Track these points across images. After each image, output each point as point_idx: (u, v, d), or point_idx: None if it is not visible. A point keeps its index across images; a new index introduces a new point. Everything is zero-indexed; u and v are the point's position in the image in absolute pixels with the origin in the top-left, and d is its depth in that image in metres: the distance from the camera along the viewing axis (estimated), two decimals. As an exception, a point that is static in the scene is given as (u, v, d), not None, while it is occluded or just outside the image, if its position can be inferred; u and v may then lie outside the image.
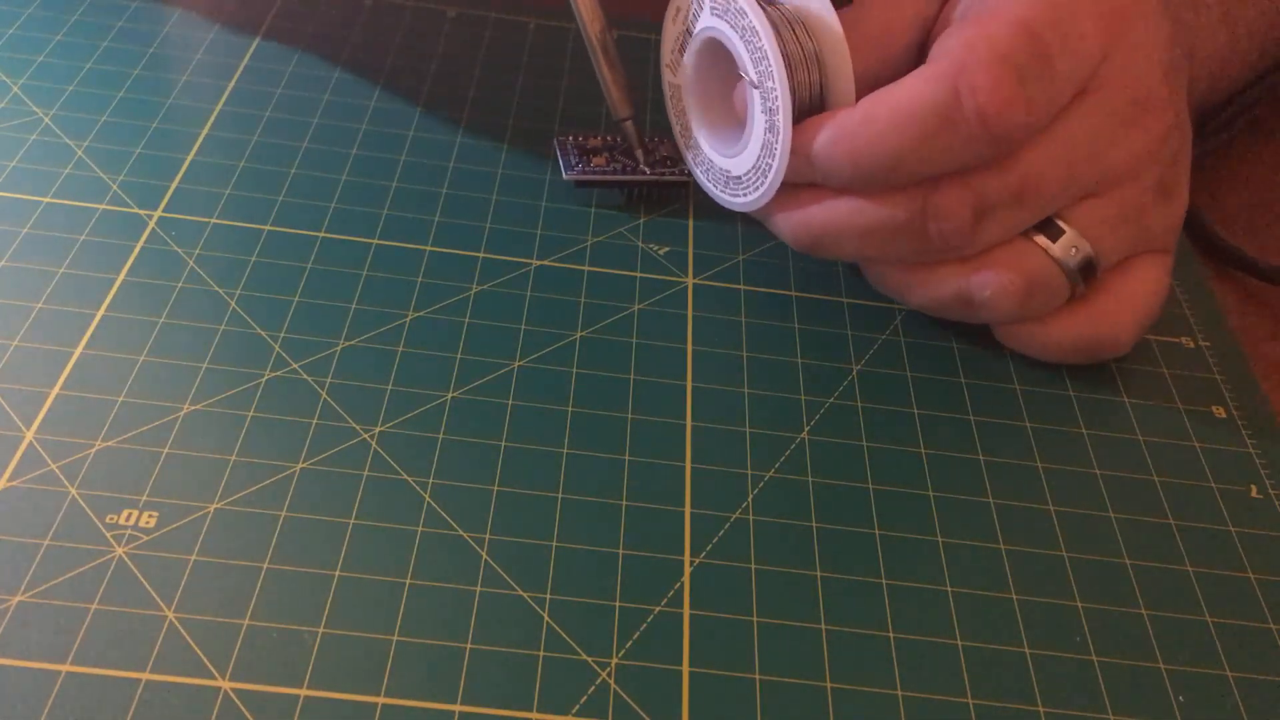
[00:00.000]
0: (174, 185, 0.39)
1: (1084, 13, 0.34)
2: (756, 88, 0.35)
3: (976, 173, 0.34)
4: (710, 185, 0.39)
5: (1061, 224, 0.35)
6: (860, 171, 0.34)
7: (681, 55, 0.38)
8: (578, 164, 0.41)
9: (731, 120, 0.38)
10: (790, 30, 0.35)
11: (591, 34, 0.40)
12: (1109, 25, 0.35)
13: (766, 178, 0.36)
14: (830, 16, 0.35)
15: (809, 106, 0.35)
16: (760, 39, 0.34)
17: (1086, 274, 0.36)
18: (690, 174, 0.40)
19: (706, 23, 0.37)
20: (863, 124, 0.33)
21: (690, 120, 0.39)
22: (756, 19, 0.34)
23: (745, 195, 0.37)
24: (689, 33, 0.38)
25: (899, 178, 0.34)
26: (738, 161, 0.37)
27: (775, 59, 0.34)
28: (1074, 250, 0.35)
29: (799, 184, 0.36)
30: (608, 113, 0.41)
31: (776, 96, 0.34)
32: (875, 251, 0.36)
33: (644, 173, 0.41)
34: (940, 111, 0.33)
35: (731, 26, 0.36)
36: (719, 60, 0.37)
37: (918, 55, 0.37)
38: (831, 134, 0.34)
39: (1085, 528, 0.33)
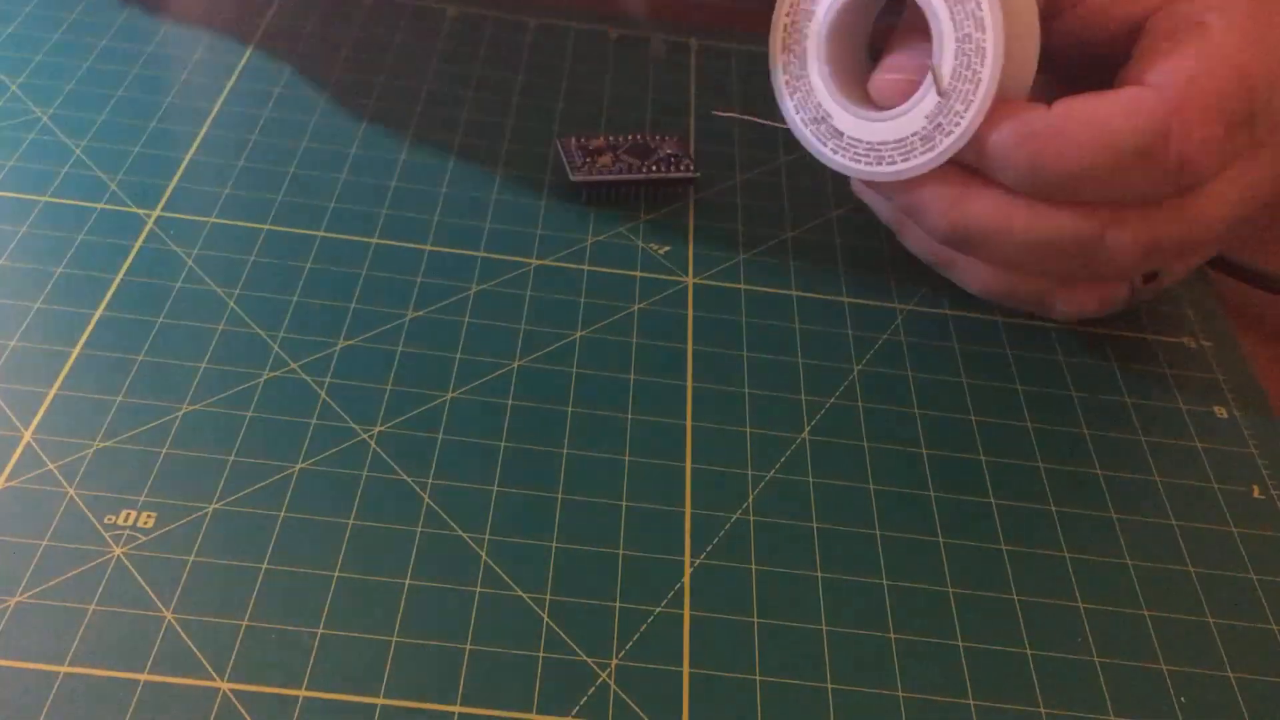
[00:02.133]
0: (173, 185, 0.39)
1: None
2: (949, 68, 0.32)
3: (1155, 215, 0.33)
4: (816, 141, 0.36)
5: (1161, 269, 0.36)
6: (1037, 178, 0.33)
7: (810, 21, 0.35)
8: (583, 165, 0.41)
9: (864, 81, 0.35)
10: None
11: None
12: None
13: (921, 155, 0.33)
14: None
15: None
16: (984, 12, 0.32)
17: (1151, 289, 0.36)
18: (693, 170, 0.40)
19: None
20: (1055, 132, 0.32)
21: (811, 69, 0.36)
22: None
23: (881, 165, 0.34)
24: None
25: (1070, 195, 0.33)
26: (877, 128, 0.34)
27: (996, 41, 0.32)
28: (1150, 293, 0.36)
29: (950, 168, 0.34)
30: (609, 112, 0.41)
31: (980, 79, 0.32)
32: (1023, 263, 0.35)
33: (650, 171, 0.41)
34: (1143, 147, 0.32)
35: None
36: (864, 14, 0.35)
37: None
38: (1016, 131, 0.32)
39: (1085, 528, 0.33)
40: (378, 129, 0.43)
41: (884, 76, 0.34)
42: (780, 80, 0.36)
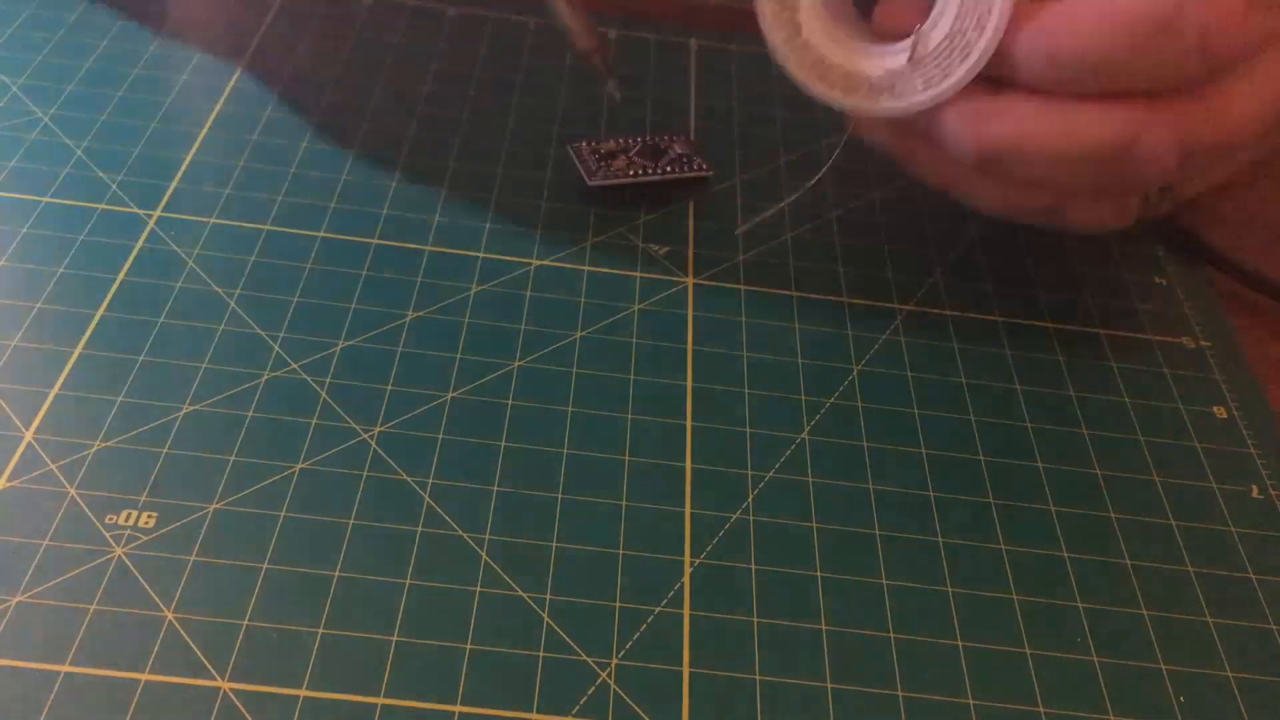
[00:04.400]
0: (173, 185, 0.39)
1: None
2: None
3: (1189, 111, 0.32)
4: (852, 100, 0.34)
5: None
6: (1060, 73, 0.32)
7: None
8: (598, 170, 0.41)
9: (865, 30, 0.35)
10: None
11: None
12: None
13: (961, 64, 0.32)
14: None
15: None
16: None
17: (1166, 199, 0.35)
18: (706, 169, 0.40)
19: None
20: (1068, 20, 0.31)
21: (815, 33, 0.34)
22: None
23: (917, 94, 0.33)
24: None
25: (1096, 86, 0.32)
26: (889, 59, 0.33)
27: None
28: (1165, 203, 0.35)
29: (970, 85, 0.33)
30: (610, 112, 0.41)
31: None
32: (1055, 177, 0.33)
33: (665, 172, 0.41)
34: (1158, 21, 0.31)
35: None
36: None
37: None
38: (1031, 28, 0.31)
39: (1085, 528, 0.33)
40: (378, 129, 0.43)
41: (891, 5, 0.34)
42: (791, 60, 0.35)
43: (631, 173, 0.41)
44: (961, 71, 0.32)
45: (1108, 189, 0.34)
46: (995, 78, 0.32)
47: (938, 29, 0.32)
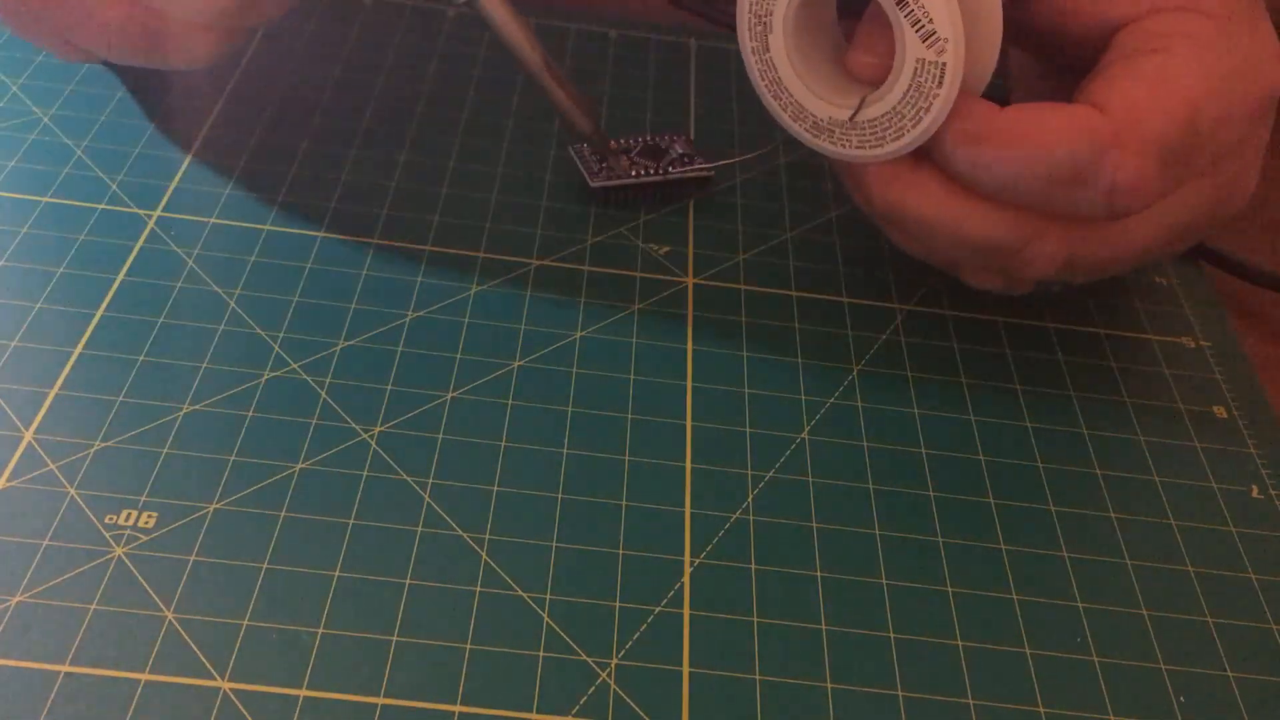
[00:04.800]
0: (173, 185, 0.39)
1: (1246, 102, 0.33)
2: (928, 45, 0.32)
3: (1079, 233, 0.34)
4: (795, 126, 0.35)
5: None
6: (975, 178, 0.33)
7: None
8: (600, 170, 0.41)
9: (832, 64, 0.35)
10: None
11: (532, 65, 0.39)
12: (1255, 113, 0.34)
13: (893, 141, 0.33)
14: None
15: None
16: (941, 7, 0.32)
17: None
18: (708, 167, 0.40)
19: None
20: (997, 137, 0.32)
21: (779, 56, 0.35)
22: None
23: (849, 147, 0.34)
24: None
25: (1004, 198, 0.33)
26: (835, 110, 0.34)
27: (955, 31, 0.31)
28: (1057, 286, 0.37)
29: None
30: (609, 113, 0.41)
31: (943, 68, 0.32)
32: (944, 250, 0.36)
33: (667, 172, 0.41)
34: (1077, 168, 0.32)
35: None
36: (822, 5, 0.35)
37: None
38: (963, 130, 0.32)
39: (1085, 528, 0.33)
40: (378, 129, 0.43)
41: (861, 56, 0.34)
42: (754, 72, 0.36)
43: (633, 173, 0.41)
44: (891, 148, 0.33)
45: (989, 269, 0.36)
46: (922, 148, 0.34)
47: (884, 101, 0.33)
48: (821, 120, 0.35)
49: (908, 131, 0.33)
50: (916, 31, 0.32)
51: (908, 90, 0.33)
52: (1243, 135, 0.34)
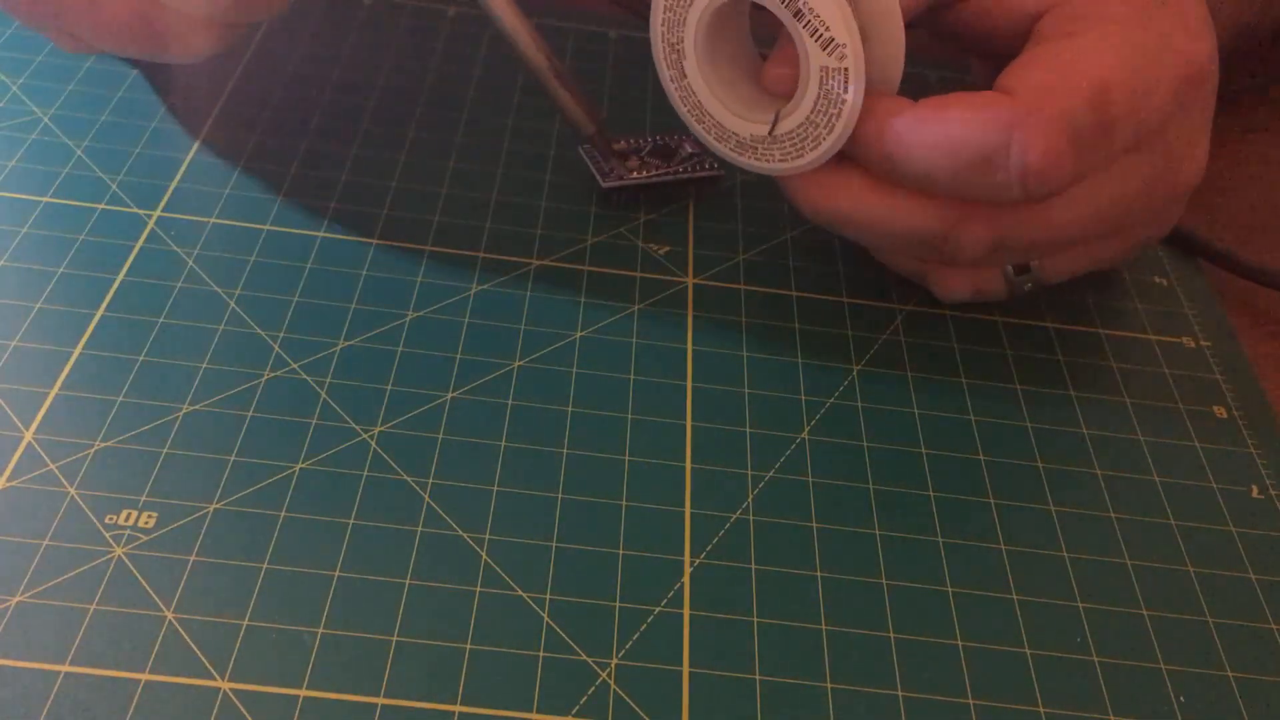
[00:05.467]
0: (173, 185, 0.39)
1: (1163, 77, 0.33)
2: (826, 52, 0.33)
3: (1004, 215, 0.34)
4: (720, 146, 0.36)
5: (1034, 266, 0.37)
6: (892, 172, 0.34)
7: (687, 13, 0.35)
8: (611, 171, 0.41)
9: (749, 82, 0.36)
10: None
11: (537, 63, 0.39)
12: (1180, 92, 0.34)
13: (812, 150, 0.34)
14: None
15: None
16: (831, 7, 0.32)
17: (1027, 281, 0.37)
18: (721, 167, 0.40)
19: None
20: (908, 130, 0.33)
21: (696, 81, 0.36)
22: None
23: (772, 161, 0.35)
24: None
25: (923, 189, 0.34)
26: (754, 126, 0.35)
27: (852, 36, 0.32)
28: (1029, 284, 0.37)
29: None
30: (609, 113, 0.41)
31: (845, 72, 0.32)
32: (886, 245, 0.37)
33: (677, 172, 0.41)
34: (985, 154, 0.32)
35: None
36: (732, 20, 0.35)
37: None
38: (875, 127, 0.33)
39: (1085, 528, 0.33)
40: (378, 129, 0.43)
41: (774, 70, 0.35)
42: (676, 99, 0.36)
43: (644, 173, 0.41)
44: (810, 157, 0.34)
45: (932, 260, 0.36)
46: (843, 151, 0.34)
47: (798, 112, 0.34)
48: (744, 138, 0.35)
49: (824, 140, 0.34)
50: (816, 40, 0.33)
51: (817, 99, 0.33)
52: (1168, 112, 0.34)
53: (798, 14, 0.32)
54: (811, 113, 0.34)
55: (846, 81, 0.33)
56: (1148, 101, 0.33)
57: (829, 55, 0.33)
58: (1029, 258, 0.36)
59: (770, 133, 0.35)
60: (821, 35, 0.32)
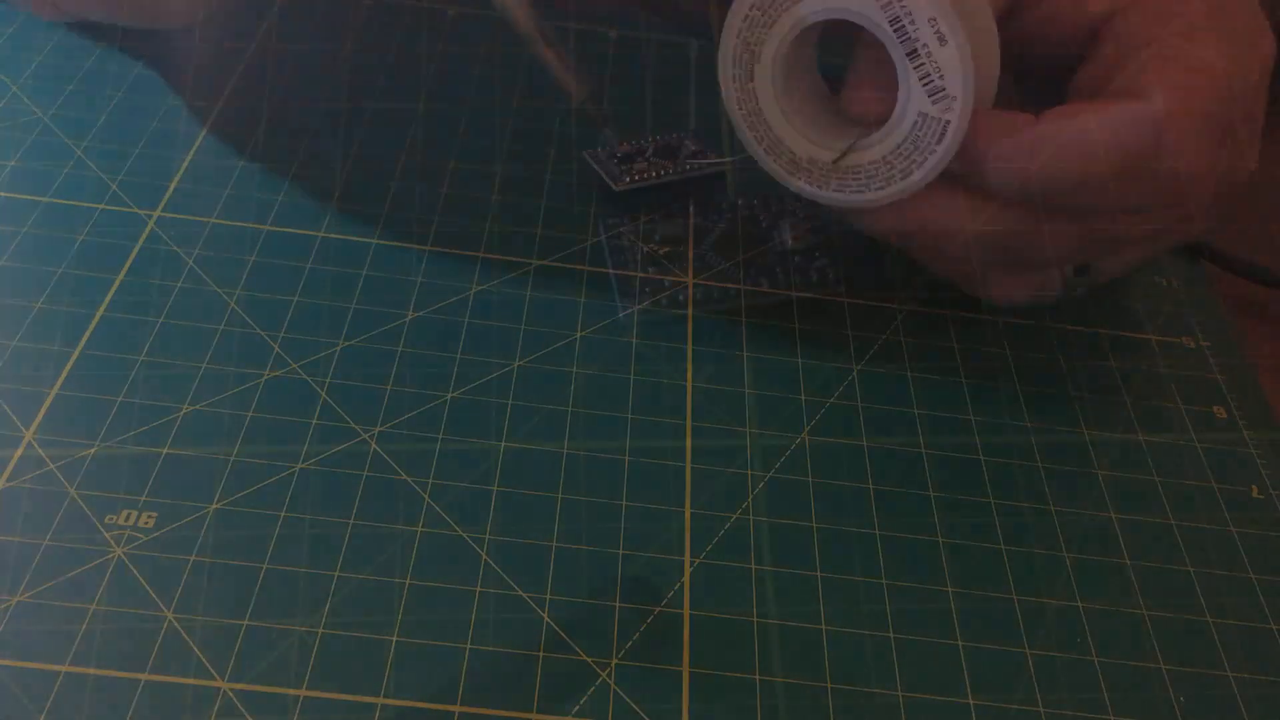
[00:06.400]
0: (173, 185, 0.39)
1: (1255, 68, 0.33)
2: (925, 84, 0.31)
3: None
4: (770, 161, 0.35)
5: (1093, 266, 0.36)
6: (1026, 190, 0.32)
7: (777, 19, 0.33)
8: (621, 173, 0.41)
9: (816, 102, 0.35)
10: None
11: (520, 19, 0.37)
12: (1262, 82, 0.33)
13: (876, 190, 0.33)
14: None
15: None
16: (941, 27, 0.31)
17: (1083, 282, 0.36)
18: (725, 161, 0.40)
19: (821, 5, 0.32)
20: (1048, 145, 0.31)
21: (764, 88, 0.34)
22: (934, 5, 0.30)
23: (827, 189, 0.34)
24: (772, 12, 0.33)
25: (1058, 204, 0.32)
26: (815, 149, 0.34)
27: (965, 91, 0.30)
28: (1080, 288, 0.36)
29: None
30: (610, 114, 0.41)
31: (946, 125, 0.31)
32: (960, 253, 0.35)
33: (685, 170, 0.41)
34: (1137, 157, 0.31)
35: (882, 8, 0.31)
36: (812, 39, 0.34)
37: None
38: (1011, 145, 0.31)
39: (1085, 528, 0.33)
40: (378, 129, 0.43)
41: (859, 93, 0.34)
42: (732, 100, 0.35)
43: (654, 174, 0.41)
44: (873, 196, 0.33)
45: (1010, 263, 0.35)
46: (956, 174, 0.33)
47: (874, 149, 0.32)
48: (800, 158, 0.34)
49: (895, 182, 0.32)
50: (924, 85, 0.31)
51: (903, 142, 0.32)
52: (1260, 104, 0.34)
53: (912, 54, 0.31)
54: (891, 154, 0.32)
55: (944, 133, 0.31)
56: (1247, 95, 0.33)
57: (934, 103, 0.31)
58: (1101, 256, 0.35)
59: (835, 161, 0.33)
60: (933, 83, 0.31)
